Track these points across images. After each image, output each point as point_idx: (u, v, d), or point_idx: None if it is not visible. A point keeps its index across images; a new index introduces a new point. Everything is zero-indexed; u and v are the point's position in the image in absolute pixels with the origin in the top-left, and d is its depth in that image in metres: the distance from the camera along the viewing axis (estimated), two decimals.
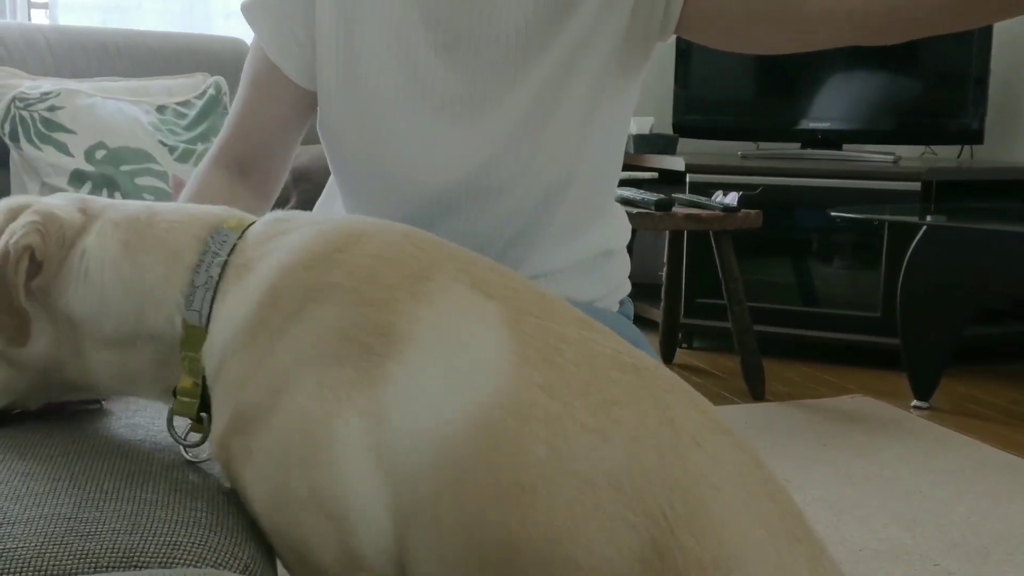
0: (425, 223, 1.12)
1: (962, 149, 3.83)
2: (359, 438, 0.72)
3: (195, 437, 0.86)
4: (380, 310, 0.75)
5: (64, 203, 0.87)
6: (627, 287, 1.32)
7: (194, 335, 0.81)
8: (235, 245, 0.82)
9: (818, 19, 1.04)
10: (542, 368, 0.72)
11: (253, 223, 0.85)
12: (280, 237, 0.82)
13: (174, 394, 0.83)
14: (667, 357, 3.47)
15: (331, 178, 1.31)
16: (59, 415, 0.94)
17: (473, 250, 0.84)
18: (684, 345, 3.68)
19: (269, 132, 1.20)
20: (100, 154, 2.39)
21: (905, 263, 2.95)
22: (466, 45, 1.11)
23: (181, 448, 0.86)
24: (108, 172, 2.37)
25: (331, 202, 1.30)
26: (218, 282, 0.80)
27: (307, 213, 0.86)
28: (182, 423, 0.86)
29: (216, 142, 1.21)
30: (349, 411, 0.73)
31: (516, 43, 1.10)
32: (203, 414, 0.83)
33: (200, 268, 0.81)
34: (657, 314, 3.50)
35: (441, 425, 0.71)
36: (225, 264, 0.81)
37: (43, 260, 0.83)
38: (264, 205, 1.21)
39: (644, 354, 0.77)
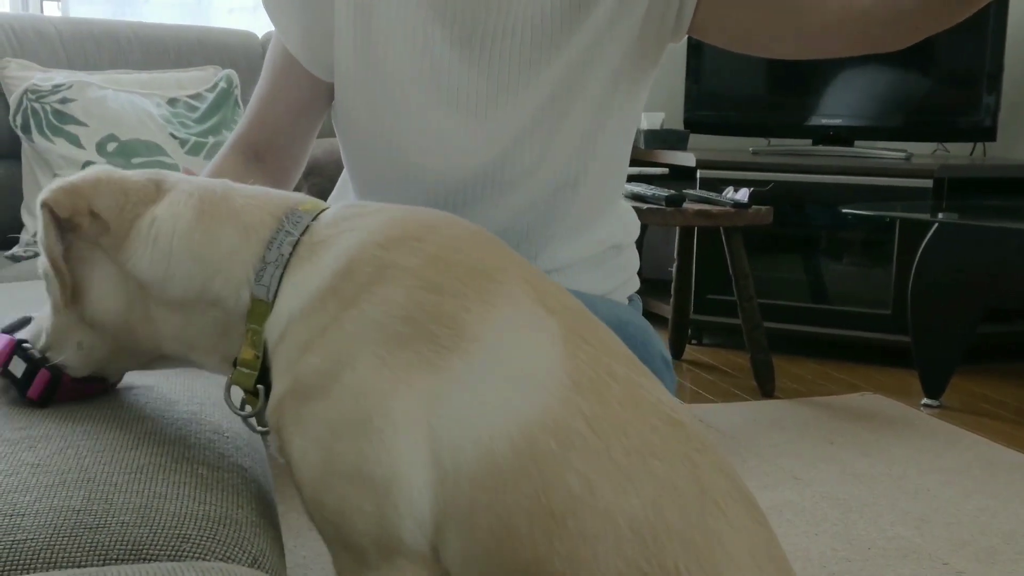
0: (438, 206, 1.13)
1: (975, 146, 3.82)
2: (412, 419, 0.73)
3: (248, 409, 0.87)
4: (450, 303, 0.76)
5: (138, 175, 0.89)
6: (636, 283, 1.32)
7: (260, 309, 0.82)
8: (308, 226, 0.83)
9: (832, 27, 1.04)
10: (590, 399, 0.73)
11: (327, 208, 0.87)
12: (355, 219, 0.83)
13: (234, 364, 0.85)
14: (676, 353, 3.46)
15: (343, 175, 1.32)
16: (75, 403, 0.95)
17: None
18: (693, 341, 3.67)
19: (285, 121, 1.21)
20: (111, 146, 2.39)
21: (916, 260, 2.94)
22: (481, 40, 1.11)
23: (241, 419, 0.88)
24: (119, 164, 2.37)
25: (344, 196, 1.30)
26: (288, 259, 0.82)
27: (378, 203, 0.87)
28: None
29: (236, 128, 1.23)
30: (406, 391, 0.74)
31: (531, 39, 1.11)
32: (259, 386, 0.84)
33: (272, 245, 0.83)
34: (667, 310, 3.50)
35: (490, 432, 0.72)
36: (297, 243, 0.82)
37: (108, 222, 0.85)
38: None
39: (683, 407, 0.78)
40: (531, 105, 1.12)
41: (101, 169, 0.89)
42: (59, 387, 0.93)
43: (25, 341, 0.94)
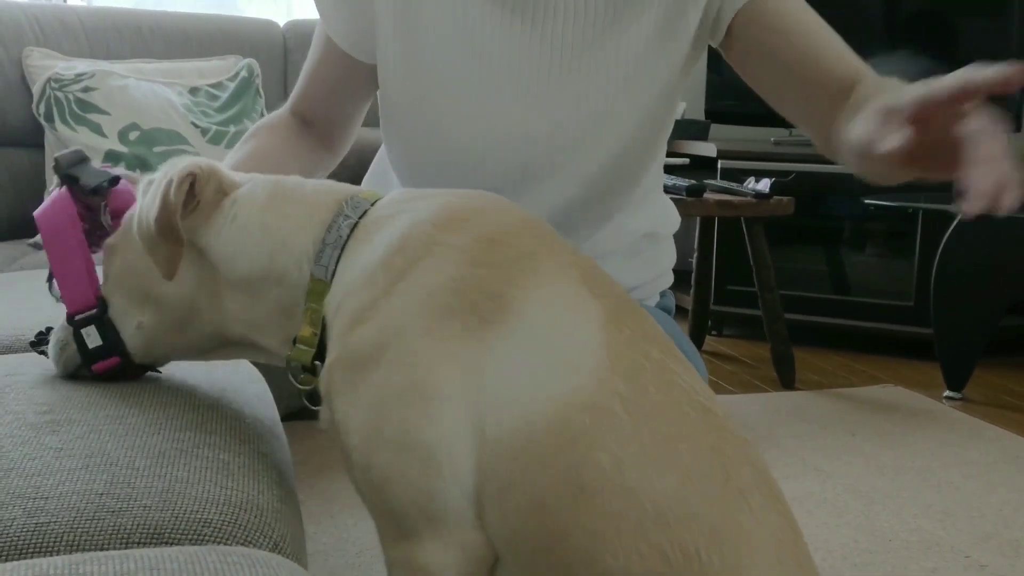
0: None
1: None
2: (457, 389, 0.75)
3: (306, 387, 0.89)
4: (495, 276, 0.78)
5: (229, 167, 0.95)
6: (670, 278, 1.31)
7: (318, 288, 0.85)
8: (366, 211, 0.87)
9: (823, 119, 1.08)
10: (626, 381, 0.75)
11: (386, 196, 0.90)
12: (411, 202, 0.87)
13: (294, 343, 0.87)
14: (697, 344, 3.45)
15: (379, 154, 1.32)
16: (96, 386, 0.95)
17: None
18: (714, 332, 3.66)
19: (327, 95, 1.25)
20: (133, 135, 2.40)
21: (939, 252, 2.92)
22: (532, 19, 1.10)
23: (299, 394, 0.90)
24: (141, 153, 2.38)
25: (381, 178, 1.30)
26: (346, 241, 0.85)
27: (435, 189, 0.91)
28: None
29: (293, 90, 1.28)
30: (452, 362, 0.76)
31: (584, 22, 1.09)
32: (317, 362, 0.86)
33: (332, 226, 0.86)
34: (687, 301, 3.48)
35: (530, 407, 0.73)
36: (355, 226, 0.86)
37: (200, 198, 0.90)
38: (328, 156, 1.28)
39: (714, 396, 0.79)
40: (579, 90, 1.11)
41: (200, 159, 0.93)
42: (123, 375, 0.97)
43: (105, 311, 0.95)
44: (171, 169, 0.90)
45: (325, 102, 1.25)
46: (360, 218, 0.87)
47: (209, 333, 0.93)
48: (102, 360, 0.95)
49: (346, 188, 0.91)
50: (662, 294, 1.30)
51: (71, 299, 0.95)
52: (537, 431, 0.73)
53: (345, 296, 0.83)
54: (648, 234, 1.24)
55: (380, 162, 1.33)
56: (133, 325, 0.94)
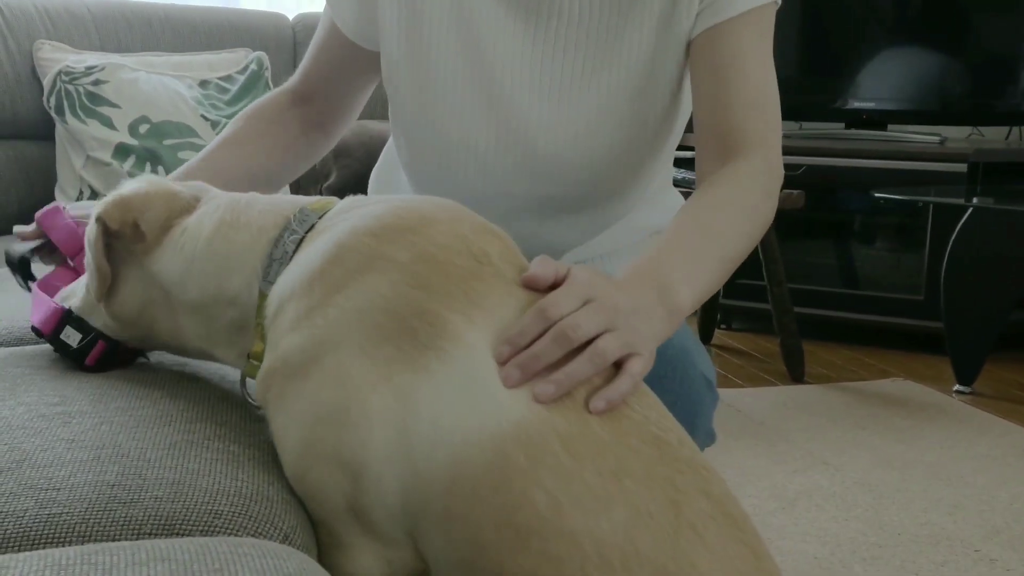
0: (479, 193, 1.12)
1: (1010, 130, 3.76)
2: (388, 415, 0.74)
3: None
4: (434, 300, 0.75)
5: (185, 188, 0.94)
6: None
7: (267, 304, 0.84)
8: (314, 224, 0.85)
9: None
10: (568, 416, 0.72)
11: (336, 205, 0.89)
12: (354, 210, 0.85)
13: (248, 357, 0.87)
14: (705, 338, 3.45)
15: (387, 146, 1.32)
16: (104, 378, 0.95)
17: (523, 228, 0.84)
18: (723, 326, 3.65)
19: (328, 77, 1.26)
20: (144, 128, 2.41)
21: (950, 246, 2.91)
22: (531, 19, 1.09)
23: (252, 407, 0.91)
24: (151, 146, 2.38)
25: (390, 169, 1.30)
26: (292, 255, 0.84)
27: (386, 196, 0.90)
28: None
29: (299, 66, 1.29)
30: (384, 386, 0.74)
31: (589, 25, 1.09)
32: None
33: (279, 242, 0.85)
34: None
35: (463, 439, 0.71)
36: (301, 240, 0.84)
37: (144, 229, 0.90)
38: (321, 137, 1.28)
39: (673, 424, 0.76)
40: (584, 90, 1.11)
41: (153, 183, 0.93)
42: (116, 354, 0.99)
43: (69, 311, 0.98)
44: (110, 197, 0.92)
45: (326, 83, 1.25)
46: (308, 232, 0.85)
47: (170, 345, 0.96)
48: (89, 352, 0.97)
49: (296, 201, 0.89)
50: None
51: (43, 323, 0.99)
52: (471, 465, 0.71)
53: (281, 303, 0.81)
54: (658, 231, 1.23)
55: (388, 153, 1.33)
56: (99, 326, 0.97)
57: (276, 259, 0.84)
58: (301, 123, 1.25)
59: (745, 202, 1.00)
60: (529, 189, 1.14)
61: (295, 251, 0.84)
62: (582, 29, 1.09)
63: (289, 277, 0.82)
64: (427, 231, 0.79)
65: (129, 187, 0.93)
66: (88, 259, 0.93)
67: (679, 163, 3.59)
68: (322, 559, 0.80)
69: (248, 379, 0.89)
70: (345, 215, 0.84)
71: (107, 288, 0.93)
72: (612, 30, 1.09)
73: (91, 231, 0.91)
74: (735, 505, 0.74)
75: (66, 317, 0.97)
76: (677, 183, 2.93)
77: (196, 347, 0.93)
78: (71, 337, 0.97)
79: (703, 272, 0.92)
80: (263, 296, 0.84)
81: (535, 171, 1.13)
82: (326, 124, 1.28)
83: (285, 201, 0.90)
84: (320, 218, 0.86)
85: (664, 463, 0.72)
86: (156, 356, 1.05)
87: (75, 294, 0.99)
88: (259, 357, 0.85)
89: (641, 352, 0.78)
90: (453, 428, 0.72)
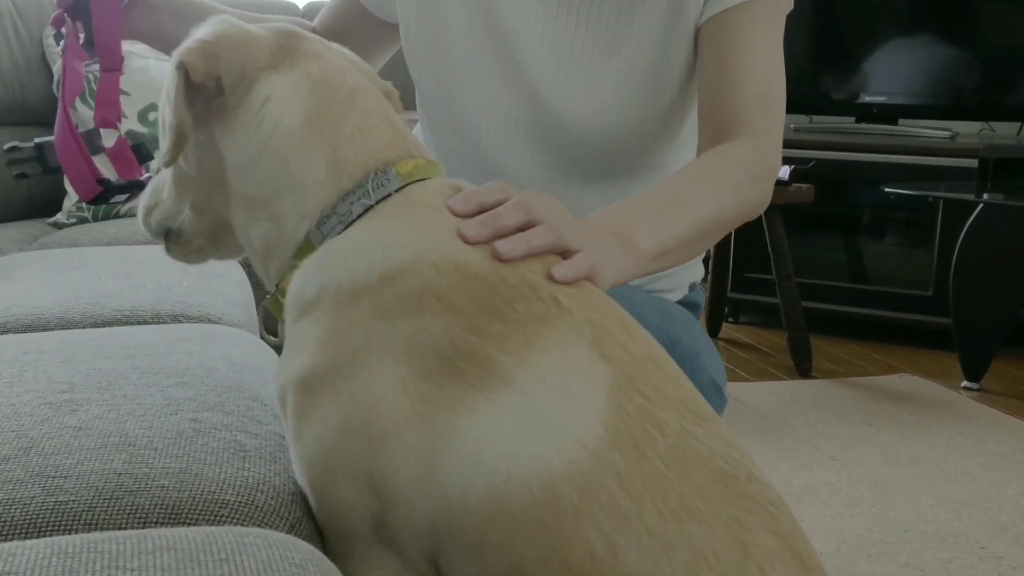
0: (493, 165, 1.14)
1: (1022, 126, 3.74)
2: (422, 450, 0.71)
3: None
4: (488, 344, 0.72)
5: (267, 32, 0.84)
6: (699, 270, 1.29)
7: (310, 251, 0.80)
8: (390, 194, 0.80)
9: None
10: (628, 455, 0.69)
11: (424, 179, 0.82)
12: (430, 213, 0.79)
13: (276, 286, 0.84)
14: (713, 331, 3.44)
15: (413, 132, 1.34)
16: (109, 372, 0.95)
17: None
18: (731, 320, 3.65)
19: (345, 41, 1.24)
20: (153, 116, 2.40)
21: (959, 241, 2.90)
22: (543, 9, 1.11)
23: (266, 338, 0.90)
24: (159, 134, 2.39)
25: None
26: (354, 220, 0.79)
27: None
28: None
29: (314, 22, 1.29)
30: (420, 423, 0.71)
31: (598, 3, 1.10)
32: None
33: (347, 199, 0.79)
34: (704, 288, 3.47)
35: (505, 477, 0.69)
36: (370, 208, 0.79)
37: (227, 88, 0.81)
38: None
39: (740, 455, 0.74)
40: (599, 77, 1.11)
41: (228, 24, 0.83)
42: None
43: None
44: (193, 41, 0.80)
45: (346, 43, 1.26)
46: (380, 201, 0.79)
47: (225, 231, 0.89)
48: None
49: (384, 148, 0.82)
50: (691, 287, 1.28)
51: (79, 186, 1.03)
52: (513, 502, 0.68)
53: (322, 297, 0.77)
54: None
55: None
56: (187, 204, 0.90)
57: (338, 213, 0.79)
58: None
59: (721, 176, 1.00)
60: (542, 161, 1.15)
61: (359, 217, 0.79)
62: (593, 10, 1.10)
63: (340, 261, 0.77)
64: (493, 277, 0.75)
65: (209, 30, 0.82)
66: (163, 114, 0.83)
67: None
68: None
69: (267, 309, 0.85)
70: (420, 216, 0.78)
71: (181, 151, 0.82)
72: (624, 13, 1.10)
73: (171, 82, 0.80)
74: (803, 541, 0.72)
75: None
76: None
77: (243, 243, 0.87)
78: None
79: (665, 222, 0.93)
80: (308, 241, 0.80)
81: (548, 144, 1.14)
82: None
83: (375, 138, 0.82)
84: (399, 190, 0.80)
85: (730, 501, 0.70)
86: (161, 349, 1.05)
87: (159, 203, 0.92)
88: (284, 293, 0.81)
89: (589, 252, 0.80)
90: (496, 466, 0.69)
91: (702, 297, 1.30)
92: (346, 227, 0.79)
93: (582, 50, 1.11)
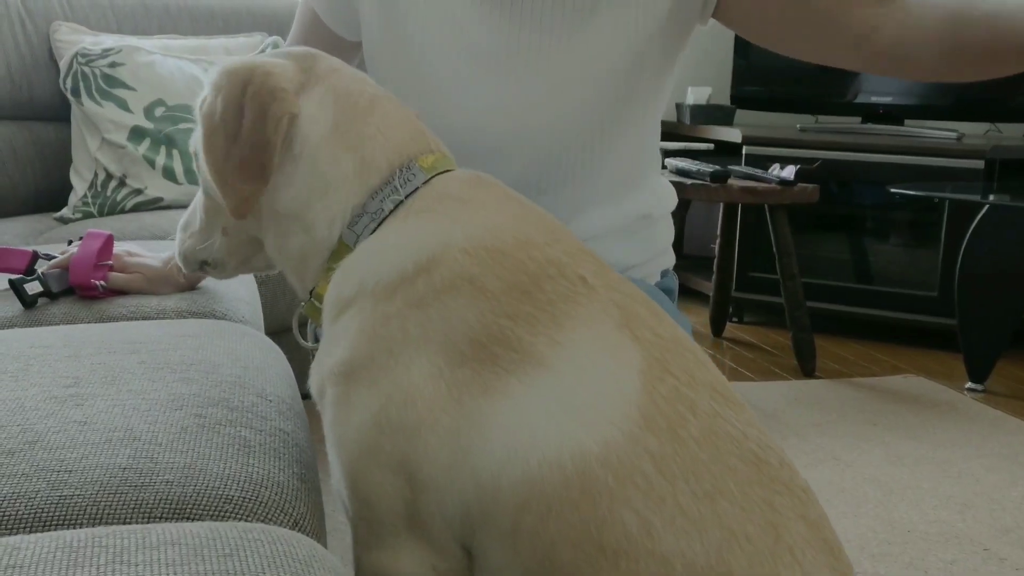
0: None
1: None
2: (456, 436, 0.73)
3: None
4: (520, 326, 0.74)
5: (288, 63, 0.87)
6: (670, 257, 1.30)
7: (345, 252, 0.82)
8: (417, 188, 0.83)
9: (853, 48, 1.06)
10: (662, 437, 0.70)
11: (447, 171, 0.85)
12: (459, 205, 0.81)
13: (310, 294, 0.86)
14: (717, 331, 3.44)
15: None
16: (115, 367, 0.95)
17: None
18: (735, 319, 3.64)
19: None
20: (159, 111, 2.41)
21: (965, 243, 2.90)
22: (507, 6, 1.11)
23: (305, 348, 0.92)
24: (166, 129, 2.39)
25: None
26: (386, 217, 0.81)
27: (490, 190, 0.85)
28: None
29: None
30: (455, 409, 0.73)
31: (563, 7, 1.10)
32: None
33: (376, 196, 0.82)
34: (708, 287, 3.47)
35: (539, 459, 0.70)
36: (400, 203, 0.82)
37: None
38: None
39: (771, 443, 0.74)
40: (554, 69, 1.12)
41: (259, 63, 0.86)
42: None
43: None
44: (233, 83, 0.83)
45: None
46: (409, 195, 0.82)
47: (252, 244, 0.93)
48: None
49: (407, 143, 0.85)
50: (663, 274, 1.29)
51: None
52: (546, 484, 0.69)
53: (360, 294, 0.79)
54: (643, 215, 1.24)
55: None
56: (219, 229, 0.93)
57: (369, 212, 0.82)
58: None
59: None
60: (506, 168, 1.15)
61: (390, 213, 0.81)
62: (557, 13, 1.10)
63: (376, 258, 0.80)
64: (520, 255, 0.77)
65: (268, 59, 0.86)
66: (222, 167, 0.84)
67: (693, 155, 3.56)
68: (363, 557, 0.79)
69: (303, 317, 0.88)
70: (450, 208, 0.81)
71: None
72: (588, 15, 1.10)
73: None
74: (830, 531, 0.73)
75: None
76: (692, 175, 2.92)
77: (273, 258, 0.91)
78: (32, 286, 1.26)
79: None
80: (342, 243, 0.82)
81: (505, 151, 1.15)
82: None
83: (397, 135, 0.85)
84: (425, 183, 0.83)
85: (762, 484, 0.70)
86: (166, 344, 1.05)
87: (196, 211, 0.96)
88: (321, 298, 0.83)
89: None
90: (530, 449, 0.70)
91: (675, 283, 1.31)
92: (378, 224, 0.81)
93: (527, 53, 1.12)
